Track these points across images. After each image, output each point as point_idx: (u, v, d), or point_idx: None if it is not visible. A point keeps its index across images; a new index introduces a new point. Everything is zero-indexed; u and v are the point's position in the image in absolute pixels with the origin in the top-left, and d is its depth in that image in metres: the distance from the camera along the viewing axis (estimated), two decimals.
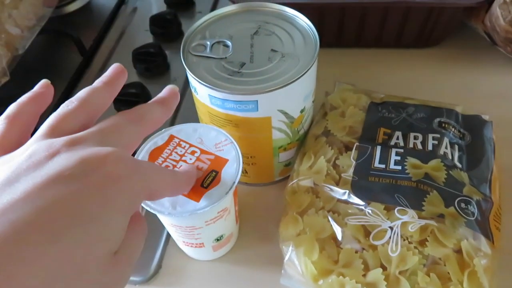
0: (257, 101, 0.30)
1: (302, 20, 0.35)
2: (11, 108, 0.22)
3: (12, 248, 0.14)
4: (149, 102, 0.25)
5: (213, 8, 0.57)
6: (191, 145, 0.30)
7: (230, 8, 0.36)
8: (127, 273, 0.19)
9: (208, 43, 0.34)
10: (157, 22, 0.53)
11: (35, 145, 0.19)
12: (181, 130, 0.31)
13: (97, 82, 0.24)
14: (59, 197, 0.16)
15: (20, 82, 0.51)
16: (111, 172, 0.18)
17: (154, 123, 0.24)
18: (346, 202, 0.31)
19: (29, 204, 0.15)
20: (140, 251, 0.21)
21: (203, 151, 0.30)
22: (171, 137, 0.31)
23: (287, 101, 0.32)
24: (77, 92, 0.23)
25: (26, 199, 0.16)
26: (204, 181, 0.28)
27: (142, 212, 0.28)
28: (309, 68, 0.31)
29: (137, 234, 0.21)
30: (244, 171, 0.38)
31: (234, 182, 0.28)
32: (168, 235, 0.37)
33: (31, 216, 0.15)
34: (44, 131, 0.20)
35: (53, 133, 0.20)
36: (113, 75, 0.24)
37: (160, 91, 0.27)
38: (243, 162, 0.37)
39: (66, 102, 0.22)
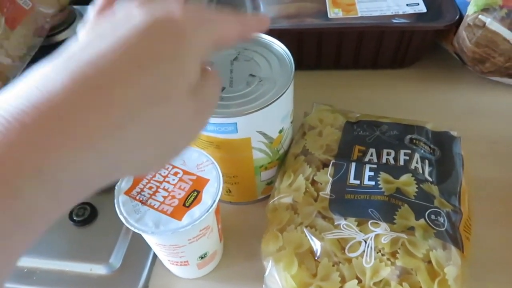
0: (236, 123, 0.32)
1: (278, 45, 0.37)
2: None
3: (114, 74, 0.18)
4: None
5: None
6: (174, 167, 0.32)
7: None
8: (207, 107, 0.23)
9: None
10: None
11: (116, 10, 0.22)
12: None
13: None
14: (137, 45, 0.20)
15: None
16: (180, 26, 0.21)
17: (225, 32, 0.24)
18: (323, 217, 0.32)
19: (117, 51, 0.19)
20: (217, 94, 0.24)
21: (185, 172, 0.31)
22: None
23: (265, 123, 0.34)
24: None
25: (114, 48, 0.19)
26: (186, 201, 0.30)
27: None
28: (285, 91, 0.33)
29: (212, 80, 0.23)
30: (228, 191, 0.40)
31: (214, 201, 0.30)
32: (155, 256, 0.38)
33: (120, 59, 0.19)
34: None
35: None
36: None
37: None
38: (226, 182, 0.38)
39: None
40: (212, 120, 0.32)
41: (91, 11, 0.24)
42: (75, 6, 0.67)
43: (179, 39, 0.21)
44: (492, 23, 0.42)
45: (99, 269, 0.37)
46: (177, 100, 0.20)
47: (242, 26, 0.25)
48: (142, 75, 0.19)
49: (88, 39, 0.20)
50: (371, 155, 0.35)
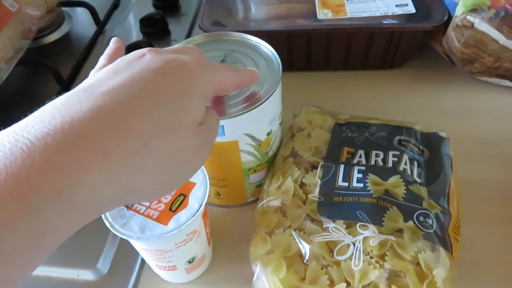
0: (223, 126, 0.32)
1: (265, 47, 0.36)
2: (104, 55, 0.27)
3: (130, 104, 0.20)
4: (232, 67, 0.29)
5: (188, 36, 0.59)
6: None
7: (198, 37, 0.38)
8: (210, 141, 0.25)
9: None
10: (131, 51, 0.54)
11: (125, 55, 0.24)
12: None
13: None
14: (152, 81, 0.21)
15: None
16: (189, 69, 0.23)
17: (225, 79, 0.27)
18: (312, 220, 0.32)
19: (134, 85, 0.21)
20: (217, 130, 0.27)
21: None
22: None
23: (253, 125, 0.33)
24: None
25: (130, 82, 0.21)
26: (172, 205, 0.29)
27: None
28: (273, 93, 0.33)
29: (213, 117, 0.26)
30: (217, 194, 0.39)
31: (201, 205, 0.29)
32: (143, 260, 0.37)
33: (137, 92, 0.21)
34: None
35: None
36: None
37: None
38: (215, 185, 0.38)
39: None
40: None
41: (102, 58, 0.26)
42: (63, 8, 0.66)
43: (188, 79, 0.23)
44: (481, 24, 0.42)
45: (86, 275, 0.36)
46: (185, 132, 0.22)
47: (238, 78, 0.28)
48: (155, 108, 0.21)
49: (103, 74, 0.22)
50: (360, 156, 0.35)
